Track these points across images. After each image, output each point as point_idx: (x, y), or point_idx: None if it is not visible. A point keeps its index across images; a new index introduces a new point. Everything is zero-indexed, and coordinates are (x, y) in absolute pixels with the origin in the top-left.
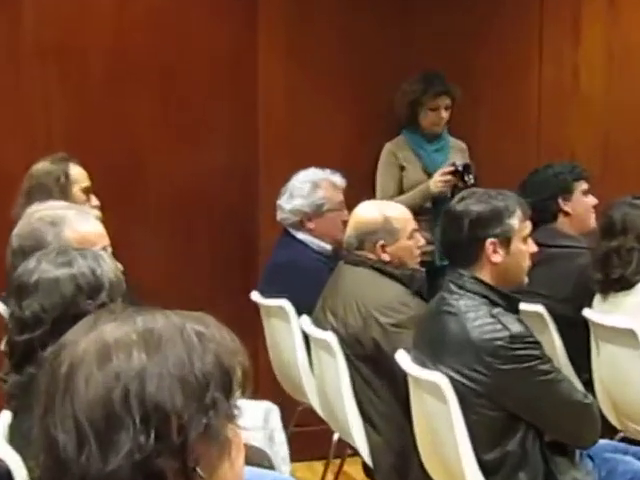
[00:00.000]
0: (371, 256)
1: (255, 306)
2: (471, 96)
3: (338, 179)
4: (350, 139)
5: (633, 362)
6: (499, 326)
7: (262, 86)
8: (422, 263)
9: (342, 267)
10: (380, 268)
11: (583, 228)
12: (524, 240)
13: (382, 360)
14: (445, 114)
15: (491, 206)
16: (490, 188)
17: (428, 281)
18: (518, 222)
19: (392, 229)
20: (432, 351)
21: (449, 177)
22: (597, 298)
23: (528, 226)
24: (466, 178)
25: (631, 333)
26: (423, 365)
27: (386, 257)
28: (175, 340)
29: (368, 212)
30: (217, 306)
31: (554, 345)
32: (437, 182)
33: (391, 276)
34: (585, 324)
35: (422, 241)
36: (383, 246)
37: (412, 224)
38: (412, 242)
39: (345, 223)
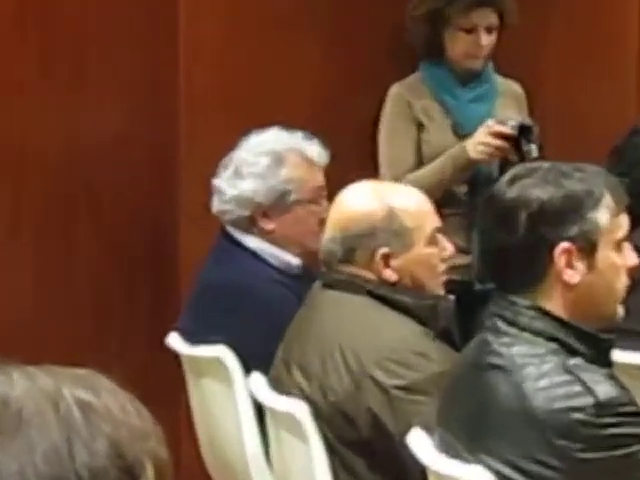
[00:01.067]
0: (366, 274)
1: (175, 357)
2: (535, 13)
3: (315, 149)
4: (327, 88)
5: None
6: (578, 388)
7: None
8: (450, 285)
9: (318, 293)
10: (382, 295)
11: None
12: (618, 246)
13: (383, 446)
14: (488, 39)
15: (563, 191)
16: (561, 160)
17: (460, 315)
18: (608, 216)
19: (401, 229)
20: (468, 431)
21: (499, 142)
22: None
23: (624, 223)
24: (525, 147)
25: None
26: (453, 454)
27: (391, 276)
28: (45, 417)
29: (361, 201)
30: (113, 356)
31: None
32: (480, 144)
33: (400, 307)
34: None
35: (450, 249)
36: (386, 257)
37: (434, 221)
38: (434, 250)
39: (324, 222)
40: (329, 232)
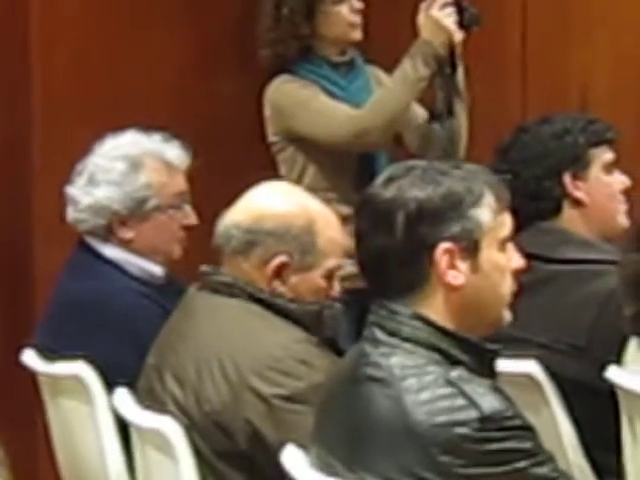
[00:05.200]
0: (253, 275)
1: (31, 376)
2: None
3: (175, 153)
4: (186, 85)
5: None
6: (461, 401)
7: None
8: (344, 294)
9: (195, 297)
10: (264, 299)
11: (606, 228)
12: (502, 246)
13: (263, 458)
14: (360, 4)
15: (442, 189)
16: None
17: (356, 322)
18: (490, 214)
19: (311, 248)
20: (346, 448)
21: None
22: (632, 349)
23: (507, 221)
24: (466, 10)
25: None
26: (331, 472)
27: (279, 287)
28: None
29: (287, 202)
30: None
31: (558, 429)
32: (437, 21)
33: (283, 313)
34: (611, 392)
35: (335, 292)
36: (282, 267)
37: (340, 260)
38: (328, 285)
39: (186, 229)
40: (236, 216)
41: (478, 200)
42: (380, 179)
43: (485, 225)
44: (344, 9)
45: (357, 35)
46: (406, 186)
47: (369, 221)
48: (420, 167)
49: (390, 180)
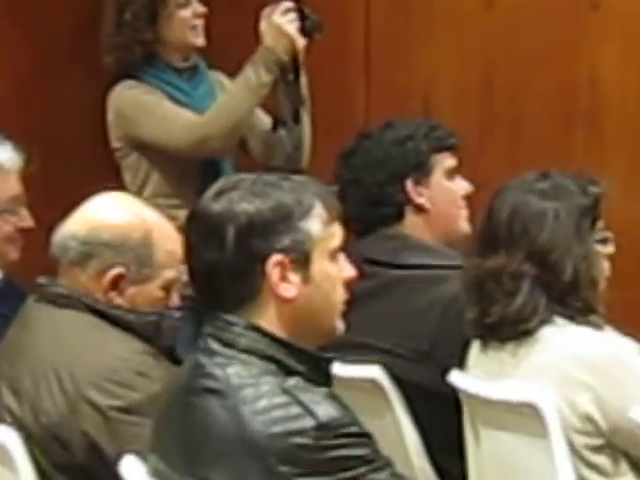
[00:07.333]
0: (91, 287)
1: None
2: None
3: (7, 155)
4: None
5: (534, 456)
6: (297, 409)
7: None
8: (187, 301)
9: (32, 308)
10: (102, 311)
11: (449, 233)
12: (332, 256)
13: (100, 471)
14: (203, 8)
15: (271, 201)
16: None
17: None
18: (320, 226)
19: (147, 260)
20: (183, 459)
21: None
22: (474, 352)
23: (338, 232)
24: (308, 17)
25: (531, 410)
26: None
27: (114, 298)
28: None
29: (123, 214)
30: None
31: (402, 434)
32: (279, 27)
33: (121, 324)
34: (455, 396)
35: (174, 303)
36: (120, 278)
37: (178, 270)
38: (162, 295)
39: (23, 232)
40: (73, 227)
41: (308, 211)
42: (210, 192)
43: (315, 236)
44: (187, 13)
45: (200, 40)
46: (236, 199)
47: (199, 235)
48: (249, 179)
49: (220, 193)
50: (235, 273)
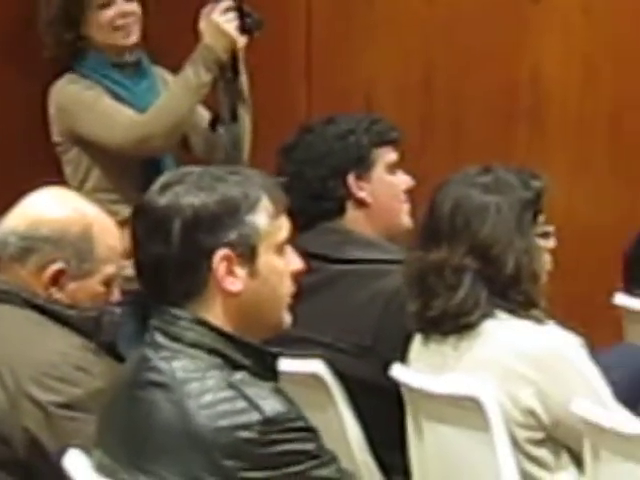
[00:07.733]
0: (32, 283)
1: None
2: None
3: None
4: None
5: (477, 450)
6: (243, 404)
7: None
8: (128, 296)
9: None
10: (41, 306)
11: (390, 227)
12: (279, 250)
13: (41, 467)
14: (129, 5)
15: (217, 195)
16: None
17: (142, 321)
18: (266, 219)
19: (87, 255)
20: (127, 453)
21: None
22: (416, 345)
23: (285, 225)
24: (248, 16)
25: (473, 404)
26: (113, 476)
27: (55, 293)
28: None
29: (62, 208)
30: None
31: (344, 429)
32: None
33: (61, 320)
34: (397, 390)
35: (115, 297)
36: (60, 273)
37: (118, 266)
38: (107, 291)
39: None
40: (13, 222)
41: (254, 205)
42: (155, 186)
43: (262, 230)
44: (110, 13)
45: (130, 39)
46: (182, 193)
47: (145, 228)
48: (196, 173)
49: (165, 187)
50: (181, 267)
